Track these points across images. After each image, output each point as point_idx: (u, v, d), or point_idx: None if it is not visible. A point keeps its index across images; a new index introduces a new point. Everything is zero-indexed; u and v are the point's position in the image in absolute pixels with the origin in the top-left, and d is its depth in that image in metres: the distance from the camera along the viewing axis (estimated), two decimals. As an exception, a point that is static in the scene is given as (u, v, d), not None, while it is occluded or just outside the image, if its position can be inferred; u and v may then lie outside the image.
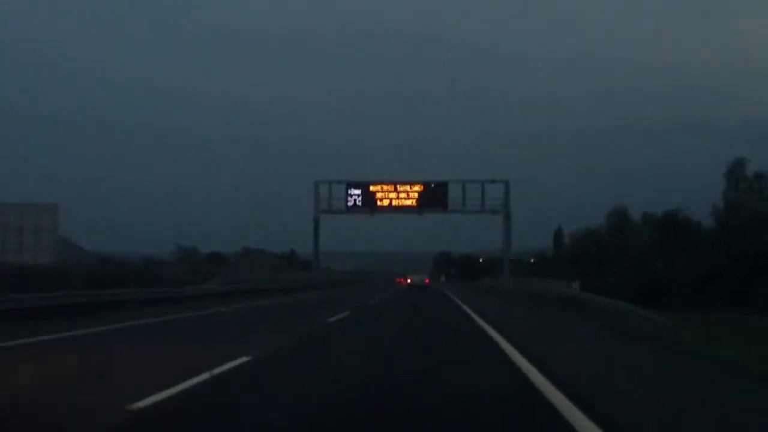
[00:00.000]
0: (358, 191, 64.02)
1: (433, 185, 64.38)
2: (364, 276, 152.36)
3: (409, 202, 63.93)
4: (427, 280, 79.23)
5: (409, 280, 77.87)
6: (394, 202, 63.89)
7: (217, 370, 9.66)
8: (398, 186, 64.19)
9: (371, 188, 64.14)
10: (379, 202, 63.82)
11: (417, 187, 64.14)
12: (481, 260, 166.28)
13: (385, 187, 64.14)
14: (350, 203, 64.04)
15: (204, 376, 9.15)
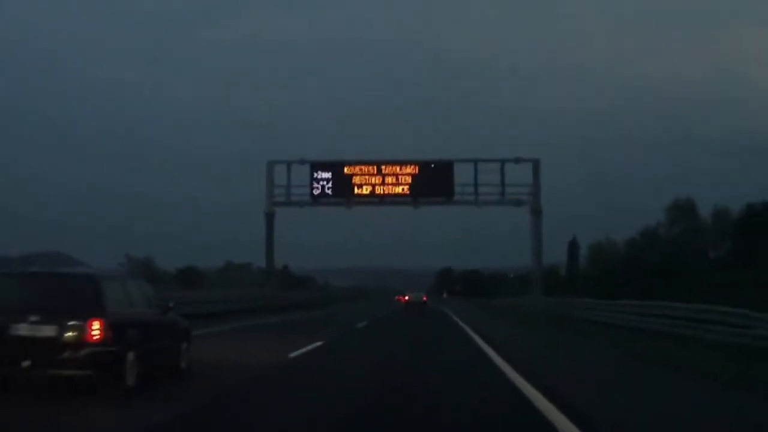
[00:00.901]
0: (327, 174, 45.58)
1: (433, 165, 45.90)
2: (364, 293, 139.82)
3: (399, 189, 45.46)
4: (424, 298, 76.31)
5: (407, 297, 77.18)
6: (379, 190, 45.42)
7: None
8: (384, 167, 45.73)
9: (346, 170, 45.65)
10: (357, 190, 45.34)
11: (410, 168, 45.66)
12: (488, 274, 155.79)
13: (366, 169, 45.68)
14: (317, 191, 45.57)
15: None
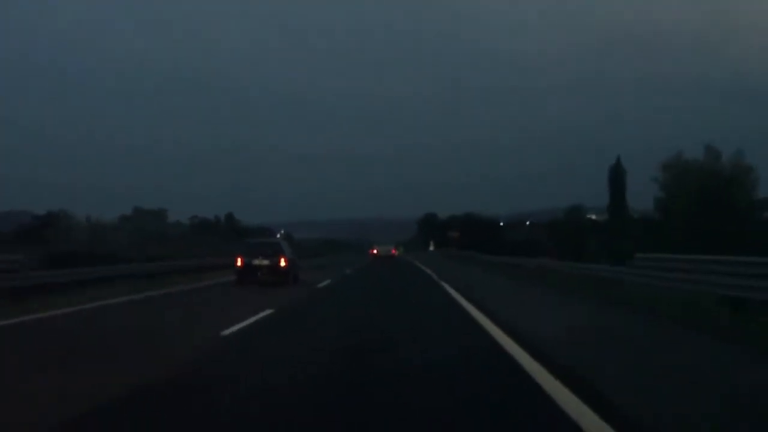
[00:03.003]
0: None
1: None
2: (333, 247, 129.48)
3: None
4: (393, 251, 75.49)
5: (374, 251, 74.47)
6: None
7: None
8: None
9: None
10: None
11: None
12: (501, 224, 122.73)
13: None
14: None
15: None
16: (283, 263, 25.54)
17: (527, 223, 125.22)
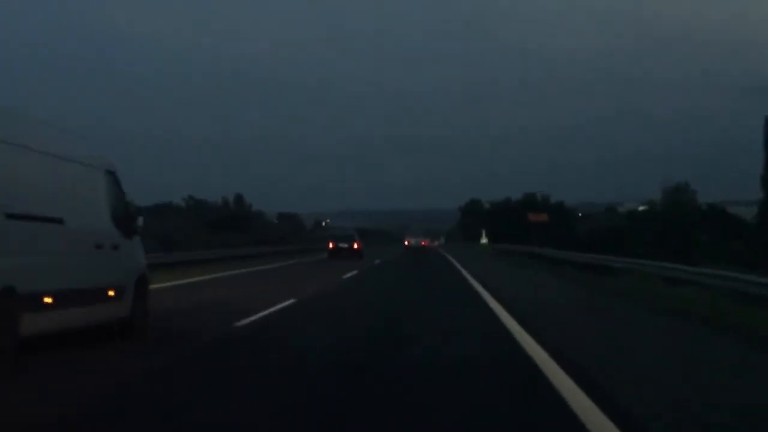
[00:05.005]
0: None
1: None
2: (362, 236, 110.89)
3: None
4: (423, 242, 72.76)
5: (406, 242, 71.50)
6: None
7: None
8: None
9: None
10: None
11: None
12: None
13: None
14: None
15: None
16: (356, 246, 40.99)
17: (579, 214, 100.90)
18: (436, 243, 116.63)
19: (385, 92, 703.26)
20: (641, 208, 75.50)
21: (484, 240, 78.93)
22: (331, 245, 41.50)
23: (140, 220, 10.62)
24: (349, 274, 26.66)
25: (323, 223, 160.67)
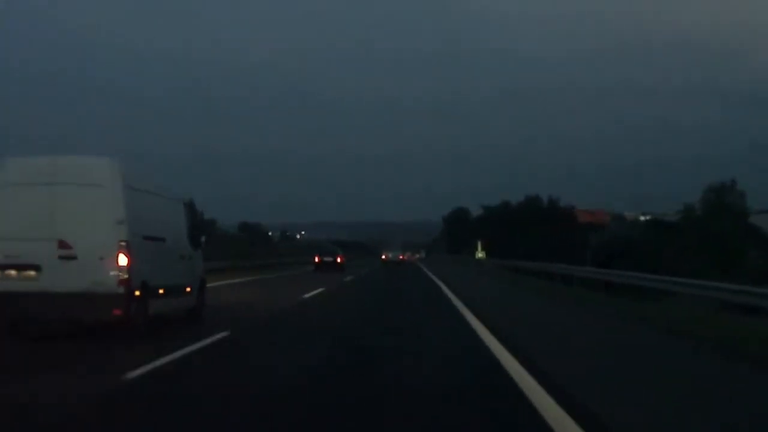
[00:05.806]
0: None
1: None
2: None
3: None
4: (401, 257, 70.87)
5: (383, 257, 68.51)
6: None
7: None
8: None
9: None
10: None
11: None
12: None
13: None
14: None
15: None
16: (339, 260, 45.40)
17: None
18: (416, 257, 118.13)
19: (365, 101, 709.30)
20: (665, 216, 65.58)
21: (480, 254, 66.23)
22: (317, 259, 46.05)
23: (203, 238, 14.90)
24: (310, 294, 23.33)
25: (297, 236, 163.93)
